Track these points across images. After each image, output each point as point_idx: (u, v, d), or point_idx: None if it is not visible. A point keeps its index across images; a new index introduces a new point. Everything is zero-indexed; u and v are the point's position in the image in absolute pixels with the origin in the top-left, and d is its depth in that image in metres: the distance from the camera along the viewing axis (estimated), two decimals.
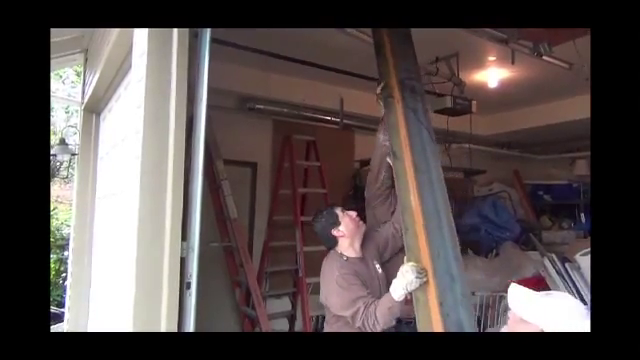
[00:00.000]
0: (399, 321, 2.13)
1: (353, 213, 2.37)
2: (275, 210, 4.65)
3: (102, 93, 3.54)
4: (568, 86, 4.32)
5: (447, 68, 3.99)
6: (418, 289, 1.95)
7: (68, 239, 4.94)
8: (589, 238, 5.02)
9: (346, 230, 2.31)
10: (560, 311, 1.30)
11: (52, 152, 4.13)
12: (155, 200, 1.77)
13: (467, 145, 5.41)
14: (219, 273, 4.31)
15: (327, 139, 4.86)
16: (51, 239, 6.40)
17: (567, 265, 3.71)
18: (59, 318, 4.89)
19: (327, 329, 2.33)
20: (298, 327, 4.57)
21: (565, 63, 3.66)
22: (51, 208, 6.66)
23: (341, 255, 2.30)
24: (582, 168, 6.33)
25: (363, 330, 2.07)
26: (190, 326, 1.82)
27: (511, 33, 3.12)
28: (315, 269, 2.41)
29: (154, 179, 1.78)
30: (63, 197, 8.17)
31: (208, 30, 1.94)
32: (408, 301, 2.01)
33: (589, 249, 3.45)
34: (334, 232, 2.31)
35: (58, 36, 3.03)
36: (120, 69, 2.85)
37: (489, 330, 3.74)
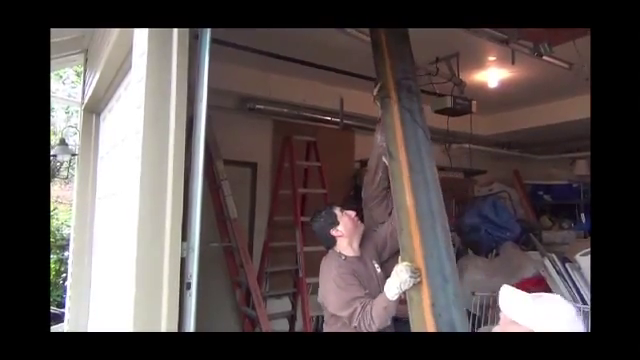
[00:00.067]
0: (399, 320, 2.13)
1: (352, 213, 2.37)
2: (275, 210, 4.66)
3: (102, 93, 3.54)
4: (568, 86, 4.32)
5: (447, 68, 3.99)
6: (412, 289, 1.95)
7: (68, 239, 4.94)
8: (589, 238, 5.02)
9: (345, 230, 2.31)
10: (550, 313, 1.30)
11: (52, 152, 4.13)
12: (155, 200, 1.77)
13: (467, 145, 5.42)
14: (219, 273, 4.31)
15: (327, 139, 4.86)
16: (51, 239, 6.41)
17: (567, 265, 3.70)
18: (59, 318, 4.89)
19: (327, 329, 2.33)
20: (298, 327, 4.58)
21: (565, 63, 3.66)
22: (51, 208, 6.67)
23: (340, 254, 2.31)
24: (582, 168, 6.33)
25: (359, 330, 2.08)
26: (190, 326, 1.82)
27: (511, 33, 3.12)
28: (315, 269, 2.41)
29: (154, 179, 1.78)
30: (63, 197, 8.18)
31: (208, 30, 1.94)
32: (404, 301, 2.01)
33: (589, 249, 3.45)
34: (332, 232, 2.31)
35: (58, 36, 3.02)
36: (120, 69, 2.85)
37: (482, 329, 3.75)
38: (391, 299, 1.98)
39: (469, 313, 3.85)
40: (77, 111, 5.23)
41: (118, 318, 2.19)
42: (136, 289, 1.71)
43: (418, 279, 1.95)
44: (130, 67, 2.19)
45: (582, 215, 6.32)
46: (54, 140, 5.51)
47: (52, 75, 5.99)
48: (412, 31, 2.60)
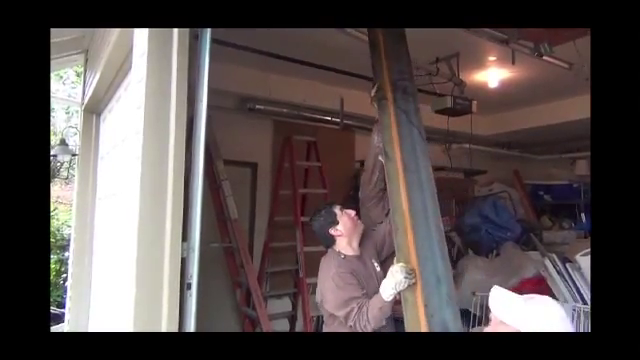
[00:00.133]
0: (399, 320, 2.14)
1: (352, 212, 2.37)
2: (275, 210, 4.65)
3: (102, 94, 3.54)
4: (568, 86, 4.32)
5: (447, 68, 3.99)
6: (406, 289, 1.96)
7: (68, 240, 4.95)
8: (589, 238, 5.02)
9: (344, 229, 2.31)
10: (539, 315, 1.30)
11: (52, 153, 4.14)
12: (155, 200, 1.77)
13: (467, 145, 5.42)
14: (220, 273, 4.31)
15: (327, 139, 4.86)
16: (51, 240, 6.41)
17: (568, 265, 3.70)
18: (59, 319, 4.90)
19: (326, 330, 2.33)
20: (299, 327, 4.58)
21: (565, 63, 3.66)
22: (51, 209, 6.67)
23: (339, 253, 2.31)
24: (582, 168, 6.33)
25: (354, 330, 2.08)
26: (191, 326, 1.82)
27: (511, 33, 3.12)
28: (316, 269, 2.41)
29: (154, 179, 1.78)
30: (63, 198, 8.18)
31: (208, 30, 1.94)
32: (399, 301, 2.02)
33: (589, 249, 3.45)
34: (332, 231, 2.32)
35: (58, 37, 3.03)
36: (120, 70, 2.85)
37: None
38: (386, 300, 1.98)
39: (469, 313, 3.85)
40: (77, 111, 5.23)
41: (118, 318, 2.19)
42: (136, 289, 1.71)
43: (413, 280, 1.95)
44: (130, 67, 2.19)
45: (582, 215, 6.32)
46: (54, 140, 5.52)
47: (52, 75, 6.00)
48: (412, 31, 2.60)
